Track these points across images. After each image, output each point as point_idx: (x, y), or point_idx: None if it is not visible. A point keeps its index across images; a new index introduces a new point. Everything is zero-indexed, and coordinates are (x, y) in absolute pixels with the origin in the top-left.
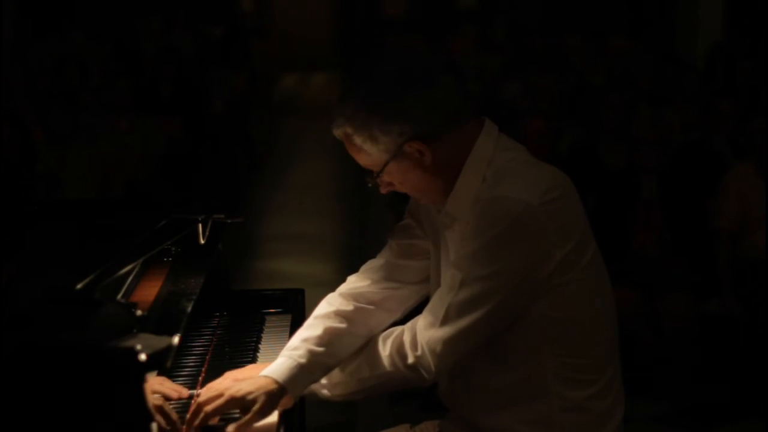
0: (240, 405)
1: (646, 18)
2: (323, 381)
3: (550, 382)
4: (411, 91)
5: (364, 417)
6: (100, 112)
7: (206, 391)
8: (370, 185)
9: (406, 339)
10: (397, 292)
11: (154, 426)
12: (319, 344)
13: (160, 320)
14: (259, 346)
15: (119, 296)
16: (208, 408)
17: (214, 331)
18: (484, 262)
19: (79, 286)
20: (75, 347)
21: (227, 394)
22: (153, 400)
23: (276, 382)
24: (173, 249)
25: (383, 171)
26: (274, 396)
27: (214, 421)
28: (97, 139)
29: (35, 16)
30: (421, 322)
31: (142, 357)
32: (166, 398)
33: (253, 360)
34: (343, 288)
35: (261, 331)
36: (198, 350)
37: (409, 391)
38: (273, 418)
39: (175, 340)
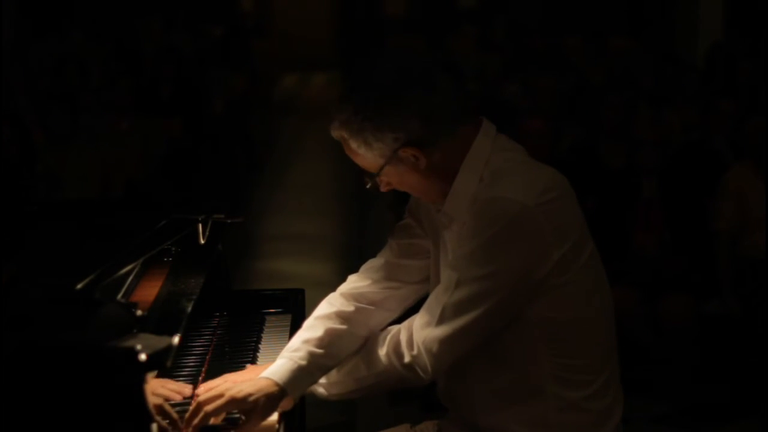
0: (240, 406)
1: (646, 18)
2: (321, 380)
3: (547, 382)
4: (407, 98)
5: (364, 417)
6: (100, 112)
7: (205, 391)
8: (368, 186)
9: (403, 338)
10: (397, 292)
11: (154, 426)
12: (319, 346)
13: (160, 320)
14: (259, 346)
15: (119, 296)
16: (209, 408)
17: (214, 331)
18: (480, 263)
19: (79, 286)
20: (75, 347)
21: (228, 395)
22: (153, 400)
23: (276, 384)
24: (173, 249)
25: (380, 173)
26: (274, 398)
27: (215, 421)
28: (97, 139)
29: (35, 16)
30: (417, 321)
31: (142, 357)
32: (167, 399)
33: (253, 360)
34: (343, 288)
35: (261, 331)
36: (198, 350)
37: (409, 390)
38: (273, 417)
39: (175, 340)
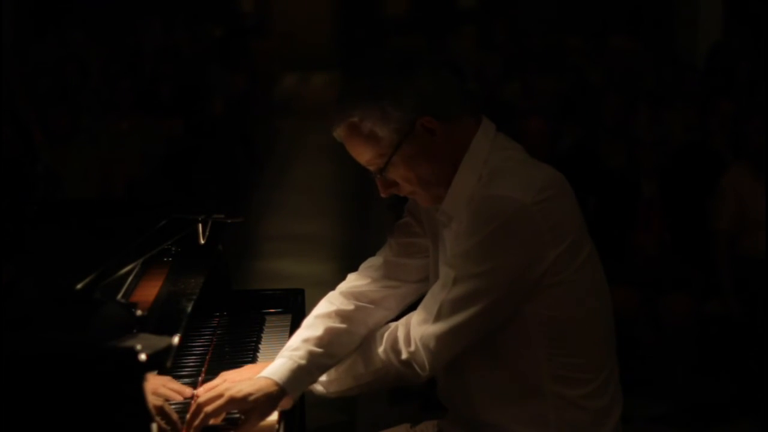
0: (240, 406)
1: (646, 18)
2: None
3: (545, 380)
4: (418, 69)
5: (364, 417)
6: (100, 112)
7: (204, 392)
8: (377, 177)
9: (400, 335)
10: (396, 291)
11: (154, 426)
12: (319, 345)
13: (160, 320)
14: (259, 346)
15: (119, 296)
16: (209, 408)
17: (214, 331)
18: (477, 260)
19: (79, 286)
20: (75, 347)
21: (227, 395)
22: (154, 400)
23: (276, 383)
24: (173, 249)
25: (389, 163)
26: (273, 397)
27: (215, 421)
28: (97, 139)
29: (35, 16)
30: (414, 318)
31: (142, 357)
32: (168, 399)
33: (253, 360)
34: (343, 286)
35: (261, 331)
36: (198, 350)
37: (408, 390)
38: (273, 417)
39: (175, 340)
